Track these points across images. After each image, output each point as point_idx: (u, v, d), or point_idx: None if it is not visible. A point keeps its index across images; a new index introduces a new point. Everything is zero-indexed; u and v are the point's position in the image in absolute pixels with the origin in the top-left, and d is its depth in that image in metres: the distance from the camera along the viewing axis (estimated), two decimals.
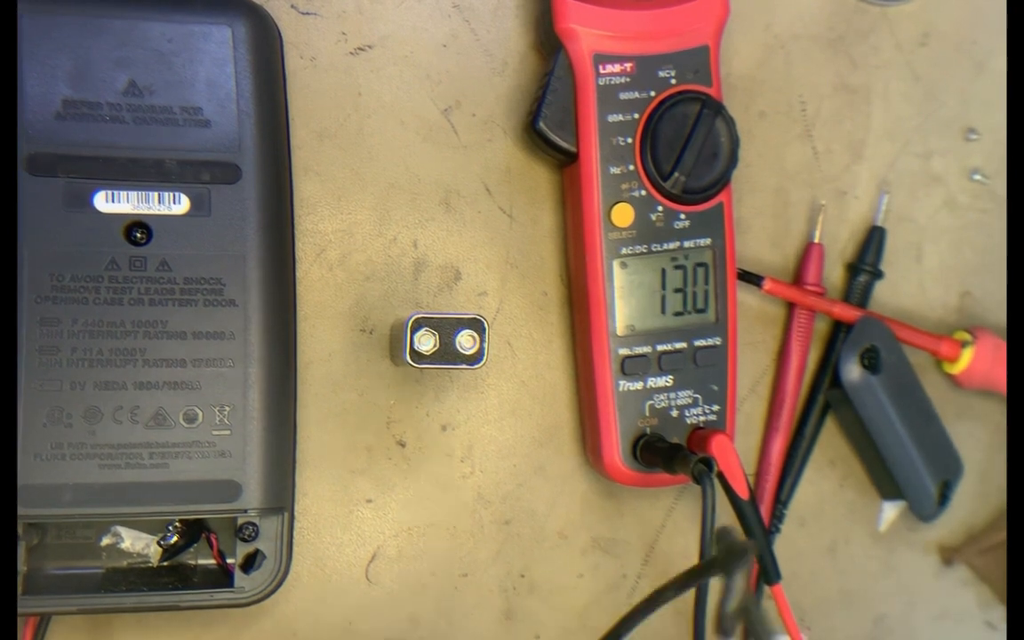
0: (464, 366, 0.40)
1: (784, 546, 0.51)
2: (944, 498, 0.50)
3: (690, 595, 0.40)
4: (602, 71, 0.44)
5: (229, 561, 0.42)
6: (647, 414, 0.46)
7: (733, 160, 0.45)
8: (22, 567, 0.40)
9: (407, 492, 0.47)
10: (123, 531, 0.42)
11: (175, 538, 0.42)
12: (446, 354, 0.40)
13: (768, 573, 0.45)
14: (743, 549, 0.35)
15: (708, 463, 0.41)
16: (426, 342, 0.40)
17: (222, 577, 0.42)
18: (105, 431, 0.39)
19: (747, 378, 0.51)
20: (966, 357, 0.51)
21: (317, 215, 0.46)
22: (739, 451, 0.43)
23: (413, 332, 0.40)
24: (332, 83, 0.46)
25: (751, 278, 0.49)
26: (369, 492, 0.47)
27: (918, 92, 0.53)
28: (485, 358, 0.40)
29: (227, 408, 0.40)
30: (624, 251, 0.45)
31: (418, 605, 0.47)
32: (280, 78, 0.43)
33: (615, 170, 0.45)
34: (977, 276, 0.54)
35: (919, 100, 0.53)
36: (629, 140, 0.45)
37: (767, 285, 0.49)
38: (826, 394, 0.51)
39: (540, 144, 0.46)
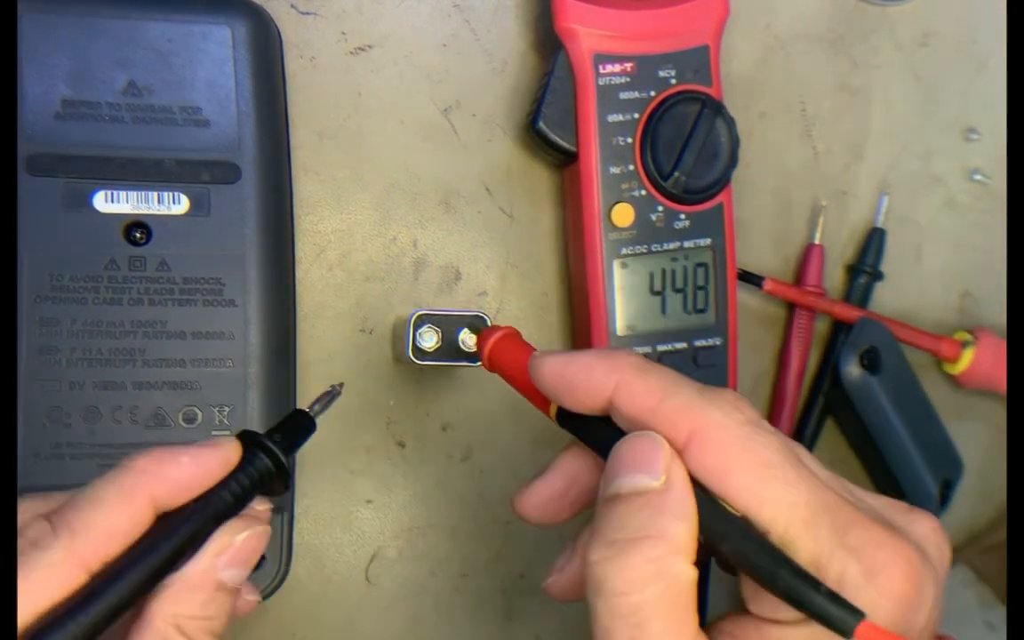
0: (466, 364, 0.40)
1: None
2: (945, 498, 0.50)
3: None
4: (602, 71, 0.44)
5: None
6: None
7: (733, 160, 0.45)
8: None
9: (407, 492, 0.47)
10: None
11: None
12: (448, 351, 0.40)
13: None
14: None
15: None
16: (428, 339, 0.40)
17: None
18: (104, 431, 0.39)
19: (747, 379, 0.51)
20: (967, 357, 0.51)
21: (317, 215, 0.46)
22: None
23: (416, 329, 0.40)
24: (332, 83, 0.46)
25: (751, 278, 0.49)
26: (369, 492, 0.47)
27: (918, 92, 0.53)
28: None
29: (227, 408, 0.40)
30: (624, 251, 0.45)
31: (418, 606, 0.47)
32: (280, 78, 0.43)
33: (615, 170, 0.45)
34: (977, 276, 0.54)
35: (919, 100, 0.53)
36: (629, 140, 0.45)
37: (767, 286, 0.49)
38: (826, 395, 0.51)
39: (540, 144, 0.46)
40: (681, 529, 0.26)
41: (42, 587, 0.25)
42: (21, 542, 0.25)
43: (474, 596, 0.48)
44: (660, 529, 0.26)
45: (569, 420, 0.31)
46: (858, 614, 0.24)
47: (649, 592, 0.26)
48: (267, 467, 0.30)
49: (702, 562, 0.31)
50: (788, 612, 0.26)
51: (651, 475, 0.27)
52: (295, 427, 0.32)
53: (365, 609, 0.47)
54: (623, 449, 0.28)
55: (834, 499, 0.27)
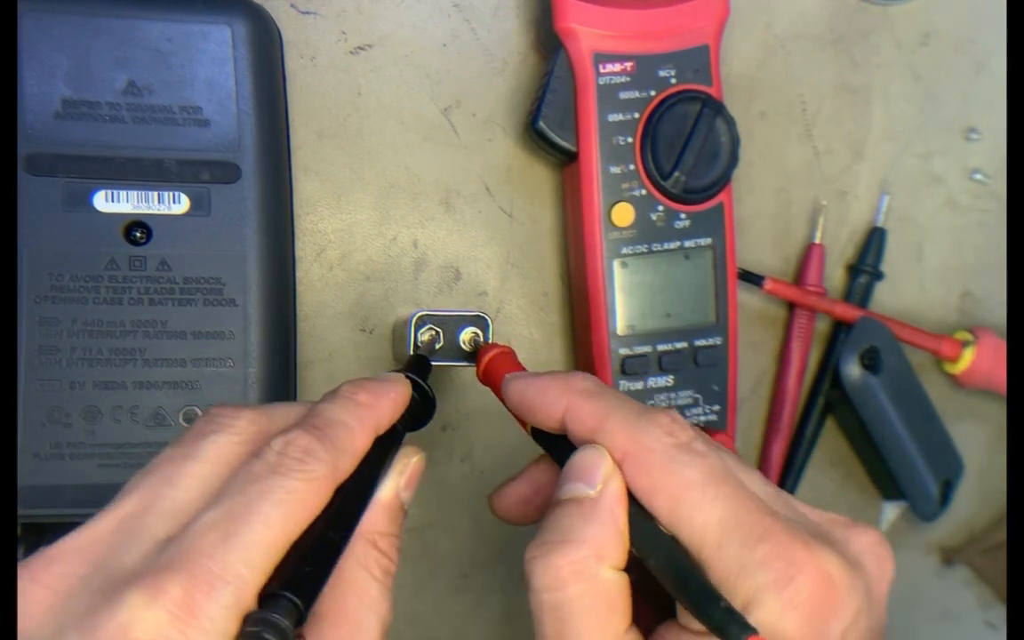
0: (467, 364, 0.40)
1: None
2: (945, 498, 0.50)
3: None
4: (602, 70, 0.44)
5: None
6: None
7: (733, 160, 0.45)
8: None
9: None
10: None
11: None
12: (449, 351, 0.40)
13: None
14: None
15: None
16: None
17: None
18: (104, 431, 0.39)
19: (748, 378, 0.51)
20: (967, 357, 0.51)
21: (317, 215, 0.46)
22: (740, 452, 0.43)
23: (417, 329, 0.40)
24: (332, 83, 0.46)
25: (752, 278, 0.49)
26: None
27: (918, 92, 0.53)
28: None
29: None
30: (624, 251, 0.45)
31: (418, 605, 0.47)
32: (280, 78, 0.43)
33: (615, 170, 0.45)
34: (977, 276, 0.54)
35: (919, 100, 0.53)
36: (629, 139, 0.45)
37: (768, 285, 0.49)
38: (827, 394, 0.51)
39: (540, 144, 0.46)
40: (606, 537, 0.28)
41: (313, 497, 0.27)
42: (293, 449, 0.27)
43: (474, 596, 0.48)
44: (585, 535, 0.28)
45: (539, 435, 0.33)
46: (748, 630, 0.25)
47: (570, 591, 0.28)
48: (416, 400, 0.33)
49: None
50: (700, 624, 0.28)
51: (589, 485, 0.29)
52: (421, 367, 0.36)
53: None
54: (574, 459, 0.30)
55: (751, 516, 0.28)
